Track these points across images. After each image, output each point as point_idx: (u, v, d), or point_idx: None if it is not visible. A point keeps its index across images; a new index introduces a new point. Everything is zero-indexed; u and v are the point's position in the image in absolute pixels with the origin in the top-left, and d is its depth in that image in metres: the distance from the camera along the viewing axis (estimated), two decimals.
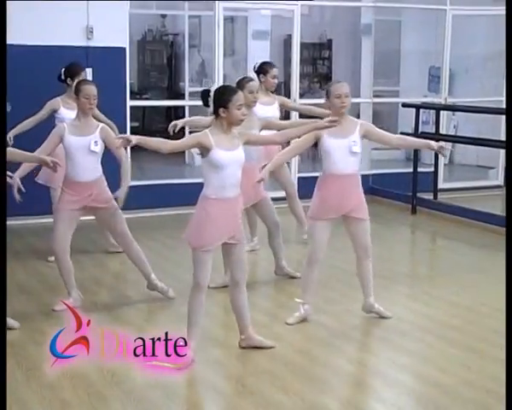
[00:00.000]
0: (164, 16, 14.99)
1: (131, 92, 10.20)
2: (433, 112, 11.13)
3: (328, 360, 5.16)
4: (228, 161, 4.82)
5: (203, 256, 4.91)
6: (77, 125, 5.97)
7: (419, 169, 9.85)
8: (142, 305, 6.24)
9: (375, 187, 10.38)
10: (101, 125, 6.08)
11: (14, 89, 8.00)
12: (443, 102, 10.97)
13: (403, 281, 6.98)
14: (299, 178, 9.79)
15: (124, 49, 9.15)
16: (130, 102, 9.34)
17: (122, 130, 8.88)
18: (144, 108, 13.72)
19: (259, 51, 13.03)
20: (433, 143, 5.79)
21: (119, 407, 4.46)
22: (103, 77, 8.73)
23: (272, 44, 13.48)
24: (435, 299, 6.37)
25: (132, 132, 9.19)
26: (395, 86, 13.25)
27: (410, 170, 9.88)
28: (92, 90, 5.97)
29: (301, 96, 10.65)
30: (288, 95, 10.47)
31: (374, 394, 4.78)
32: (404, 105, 10.81)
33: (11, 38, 8.35)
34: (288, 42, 14.26)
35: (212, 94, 4.86)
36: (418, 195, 9.72)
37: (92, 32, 8.92)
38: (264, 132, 6.27)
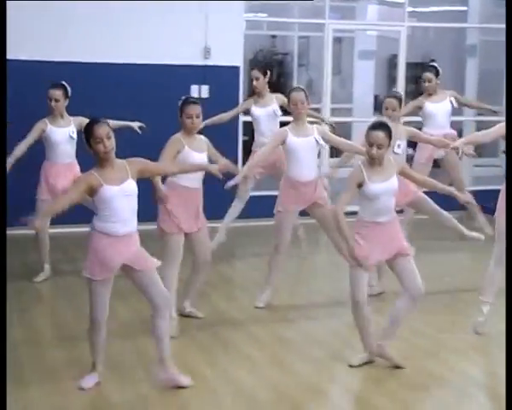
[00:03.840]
0: (274, 37, 15.52)
1: None
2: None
3: None
4: (381, 191, 5.02)
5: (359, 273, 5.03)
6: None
7: None
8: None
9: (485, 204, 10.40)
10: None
11: (138, 106, 8.55)
12: None
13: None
14: None
15: (238, 67, 9.70)
16: (242, 118, 9.83)
17: (234, 143, 9.49)
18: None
19: (365, 71, 13.40)
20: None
21: None
22: (218, 94, 9.32)
23: (377, 64, 13.79)
24: None
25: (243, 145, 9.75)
26: (499, 105, 13.32)
27: None
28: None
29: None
30: None
31: None
32: None
33: (132, 58, 9.04)
34: (392, 61, 14.56)
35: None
36: None
37: (210, 51, 9.46)
38: None
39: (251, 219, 8.98)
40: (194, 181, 5.78)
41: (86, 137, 4.63)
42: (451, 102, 8.38)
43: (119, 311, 6.17)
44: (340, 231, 5.03)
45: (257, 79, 8.10)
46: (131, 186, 4.66)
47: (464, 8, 12.35)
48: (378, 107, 14.49)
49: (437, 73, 8.52)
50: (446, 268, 7.85)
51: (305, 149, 6.29)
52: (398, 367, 5.23)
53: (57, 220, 4.83)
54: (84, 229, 4.90)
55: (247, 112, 8.30)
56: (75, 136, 7.15)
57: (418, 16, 13.44)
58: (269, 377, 5.16)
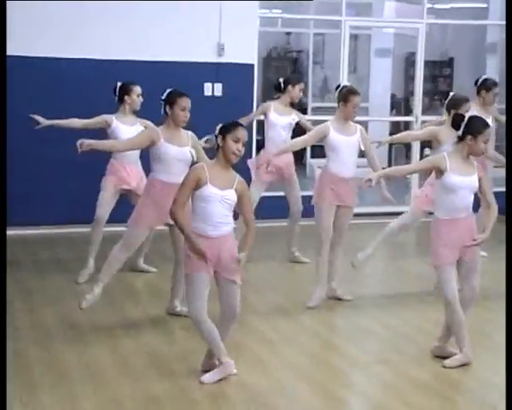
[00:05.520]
0: (289, 34, 15.31)
1: (256, 106, 10.51)
2: None
3: None
4: (461, 185, 5.06)
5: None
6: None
7: None
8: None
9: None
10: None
11: (152, 104, 8.40)
12: None
13: None
14: None
15: (252, 65, 9.48)
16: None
17: (248, 141, 9.19)
18: None
19: (381, 69, 13.18)
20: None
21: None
22: (232, 91, 9.13)
23: (394, 62, 13.57)
24: None
25: (257, 146, 9.53)
26: None
27: None
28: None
29: (423, 113, 10.69)
30: (408, 111, 10.53)
31: None
32: None
33: (147, 55, 8.89)
34: (409, 59, 14.35)
35: (465, 120, 5.10)
36: None
37: (223, 48, 9.26)
38: None
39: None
40: (175, 176, 5.58)
41: (223, 131, 4.70)
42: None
43: (129, 311, 6.25)
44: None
45: (300, 90, 7.78)
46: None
47: (485, 6, 12.09)
48: (395, 106, 14.36)
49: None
50: None
51: (347, 148, 6.36)
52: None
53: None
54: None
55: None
56: None
57: (437, 13, 13.20)
58: (282, 380, 5.05)
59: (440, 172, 5.08)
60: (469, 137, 5.04)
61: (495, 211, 5.23)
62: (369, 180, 5.16)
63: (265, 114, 7.79)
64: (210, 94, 9.00)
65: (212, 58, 9.24)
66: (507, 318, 4.45)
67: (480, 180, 5.16)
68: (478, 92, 7.65)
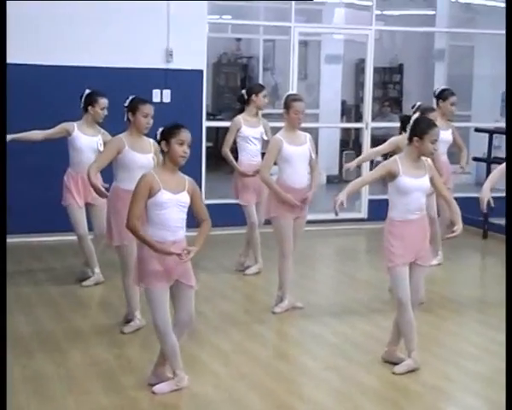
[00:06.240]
0: (239, 40, 15.27)
1: (206, 113, 10.45)
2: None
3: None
4: (413, 187, 5.08)
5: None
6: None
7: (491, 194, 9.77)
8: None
9: None
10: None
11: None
12: None
13: (473, 306, 7.02)
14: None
15: (201, 71, 9.38)
16: (205, 123, 9.57)
17: (198, 149, 9.17)
18: (218, 128, 13.99)
19: (332, 75, 13.20)
20: None
21: None
22: (181, 98, 9.04)
23: (344, 68, 13.62)
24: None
25: (207, 152, 9.46)
26: (467, 111, 13.23)
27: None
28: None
29: (372, 119, 10.74)
30: (359, 118, 10.57)
31: None
32: (477, 130, 10.77)
33: (92, 61, 8.75)
34: (359, 66, 14.41)
35: (411, 122, 5.14)
36: (490, 220, 9.68)
37: (172, 54, 9.16)
38: None
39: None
40: None
41: (166, 136, 4.65)
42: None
43: (76, 322, 6.12)
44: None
45: (264, 96, 7.74)
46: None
47: (433, 13, 12.20)
48: (345, 112, 14.41)
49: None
50: None
51: (299, 158, 6.36)
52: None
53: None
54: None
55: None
56: (102, 148, 6.78)
57: (386, 20, 13.26)
58: (233, 390, 4.98)
59: (393, 176, 5.11)
60: (416, 138, 5.08)
61: (454, 204, 5.33)
62: (342, 203, 5.17)
63: (238, 129, 7.68)
64: (159, 100, 8.90)
65: (160, 64, 9.13)
66: (507, 317, 4.43)
67: (431, 179, 5.22)
68: (437, 104, 7.73)
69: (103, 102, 6.92)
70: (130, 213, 4.70)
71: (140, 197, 4.67)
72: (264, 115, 12.31)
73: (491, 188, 5.91)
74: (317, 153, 6.79)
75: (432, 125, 5.14)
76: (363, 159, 8.02)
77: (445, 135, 7.56)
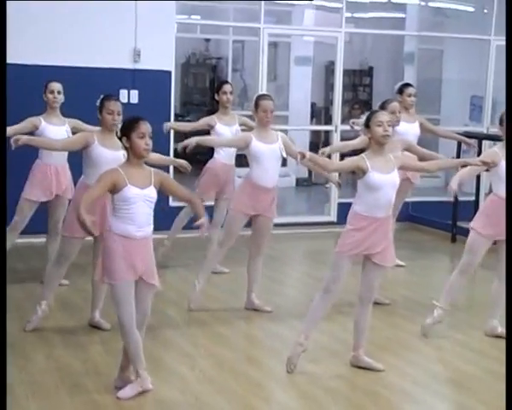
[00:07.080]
0: (208, 40, 15.19)
1: (174, 114, 10.36)
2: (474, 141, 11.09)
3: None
4: (383, 183, 5.07)
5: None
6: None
7: (459, 198, 9.81)
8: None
9: (415, 215, 10.40)
10: None
11: (65, 110, 8.18)
12: (485, 132, 10.96)
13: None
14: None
15: (169, 72, 9.29)
16: None
17: (165, 151, 9.04)
18: None
19: (301, 77, 13.18)
20: None
21: None
22: (149, 98, 8.94)
23: (314, 70, 13.60)
24: (475, 329, 6.35)
25: (175, 155, 9.36)
26: (436, 114, 13.27)
27: (451, 198, 9.85)
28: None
29: (342, 121, 10.71)
30: (329, 120, 10.54)
31: None
32: (469, 136, 10.72)
33: (58, 60, 8.62)
34: (329, 68, 14.39)
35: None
36: (458, 223, 9.70)
37: (139, 54, 9.06)
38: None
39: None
40: None
41: (125, 131, 4.61)
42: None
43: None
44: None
45: (231, 93, 7.68)
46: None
47: (403, 16, 12.22)
48: (315, 114, 14.38)
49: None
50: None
51: (269, 156, 6.35)
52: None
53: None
54: None
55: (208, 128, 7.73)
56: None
57: (356, 22, 13.28)
58: (199, 394, 4.92)
59: (363, 172, 5.09)
60: (366, 130, 5.13)
61: (439, 158, 5.71)
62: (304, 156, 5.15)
63: (212, 127, 7.65)
64: (126, 101, 8.76)
65: (127, 64, 9.02)
66: (507, 318, 4.41)
67: (404, 166, 5.33)
68: (399, 100, 7.73)
69: (51, 85, 6.96)
70: (85, 194, 4.63)
71: (100, 187, 4.61)
72: None
73: (459, 183, 5.87)
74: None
75: (375, 111, 5.26)
76: (337, 148, 8.20)
77: (412, 128, 7.65)
